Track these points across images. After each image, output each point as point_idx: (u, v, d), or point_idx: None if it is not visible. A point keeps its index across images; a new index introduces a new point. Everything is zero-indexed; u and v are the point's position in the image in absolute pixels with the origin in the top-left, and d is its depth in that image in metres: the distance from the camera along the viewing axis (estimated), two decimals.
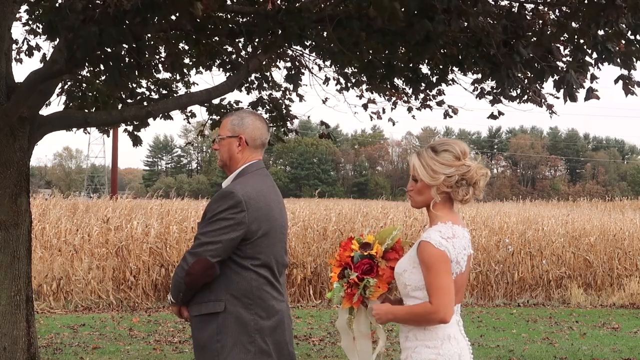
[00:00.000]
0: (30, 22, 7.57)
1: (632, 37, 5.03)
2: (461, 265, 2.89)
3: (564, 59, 5.36)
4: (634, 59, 5.16)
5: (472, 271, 12.98)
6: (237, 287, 3.32)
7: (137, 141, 8.08)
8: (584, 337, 9.69)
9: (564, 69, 5.17)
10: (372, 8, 4.52)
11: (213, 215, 3.31)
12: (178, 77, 8.02)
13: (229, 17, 5.88)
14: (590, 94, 5.35)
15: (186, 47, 6.99)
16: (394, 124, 8.65)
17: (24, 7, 6.83)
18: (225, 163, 3.55)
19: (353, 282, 3.05)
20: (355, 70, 7.12)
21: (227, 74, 7.11)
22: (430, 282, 2.84)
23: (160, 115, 7.11)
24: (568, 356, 8.33)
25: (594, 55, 5.13)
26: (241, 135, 3.49)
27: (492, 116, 7.24)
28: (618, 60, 5.10)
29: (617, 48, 5.03)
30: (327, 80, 8.08)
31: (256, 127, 3.53)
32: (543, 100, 6.74)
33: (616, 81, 5.31)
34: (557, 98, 6.86)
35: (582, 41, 5.09)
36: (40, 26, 6.69)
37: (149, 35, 5.95)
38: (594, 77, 5.54)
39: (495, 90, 6.65)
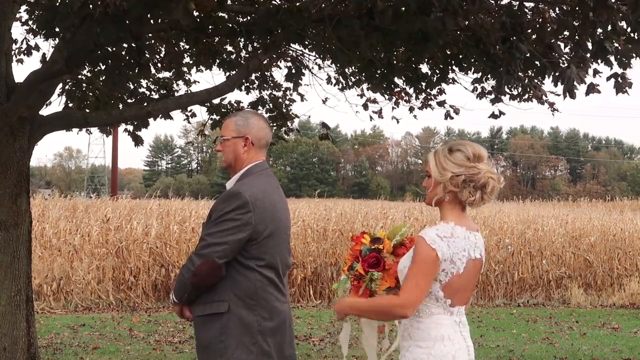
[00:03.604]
0: (29, 22, 7.57)
1: (632, 35, 5.03)
2: (457, 266, 2.87)
3: (565, 56, 5.36)
4: (632, 57, 5.16)
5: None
6: (242, 287, 3.31)
7: (138, 141, 8.07)
8: (584, 337, 9.69)
9: (565, 65, 5.17)
10: (379, 2, 4.52)
11: (219, 216, 3.29)
12: (178, 76, 8.01)
13: (229, 16, 5.88)
14: (592, 89, 5.35)
15: (186, 46, 6.99)
16: (398, 122, 8.65)
17: (24, 7, 6.82)
18: (230, 164, 3.53)
19: (359, 274, 3.07)
20: (356, 70, 7.12)
21: (227, 73, 7.11)
22: (408, 275, 2.86)
23: (160, 115, 7.11)
24: (568, 356, 8.32)
25: (593, 50, 5.12)
26: (247, 135, 3.48)
27: (493, 115, 7.23)
28: (612, 59, 5.10)
29: (617, 46, 5.03)
30: (328, 79, 8.08)
31: (261, 127, 3.53)
32: (544, 97, 6.74)
33: (608, 79, 5.31)
34: (558, 95, 6.86)
35: (581, 38, 5.09)
36: (40, 26, 6.68)
37: (149, 34, 5.95)
38: (596, 72, 5.53)
39: (495, 90, 6.64)
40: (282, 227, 3.46)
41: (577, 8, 4.84)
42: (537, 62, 5.25)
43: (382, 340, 3.27)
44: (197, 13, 5.17)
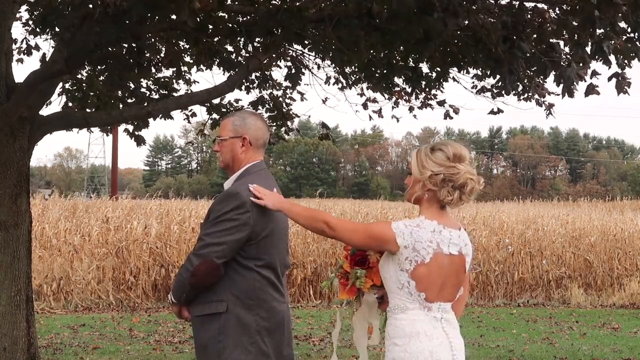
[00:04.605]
0: (30, 22, 7.57)
1: (632, 35, 5.03)
2: (421, 254, 2.90)
3: (565, 55, 5.36)
4: (629, 58, 5.16)
5: (472, 271, 12.97)
6: (240, 287, 3.31)
7: (140, 141, 8.05)
8: (584, 337, 9.69)
9: (566, 63, 5.17)
10: (375, 5, 4.53)
11: (218, 216, 3.29)
12: (178, 76, 8.00)
13: (229, 16, 5.88)
14: (591, 90, 5.36)
15: (186, 46, 6.99)
16: (398, 121, 8.65)
17: (24, 7, 6.82)
18: (227, 164, 3.54)
19: (344, 272, 3.14)
20: (355, 69, 7.12)
21: (227, 73, 7.11)
22: (358, 223, 3.09)
23: (161, 115, 7.10)
24: (568, 356, 8.33)
25: (592, 50, 5.12)
26: (245, 135, 3.48)
27: (493, 112, 7.24)
28: (611, 58, 5.10)
29: (616, 46, 5.03)
30: (328, 79, 8.07)
31: (258, 127, 3.53)
32: (544, 97, 6.73)
33: (609, 79, 5.31)
34: (557, 95, 6.86)
35: (581, 37, 5.09)
36: (37, 23, 6.68)
37: (149, 34, 5.94)
38: (595, 73, 5.54)
39: (498, 88, 6.64)
40: (280, 228, 3.46)
41: (577, 7, 4.84)
42: (538, 61, 5.25)
43: (370, 338, 3.30)
44: (198, 11, 5.17)
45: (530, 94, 6.61)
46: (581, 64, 5.27)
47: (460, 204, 3.00)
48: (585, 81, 5.39)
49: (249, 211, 3.28)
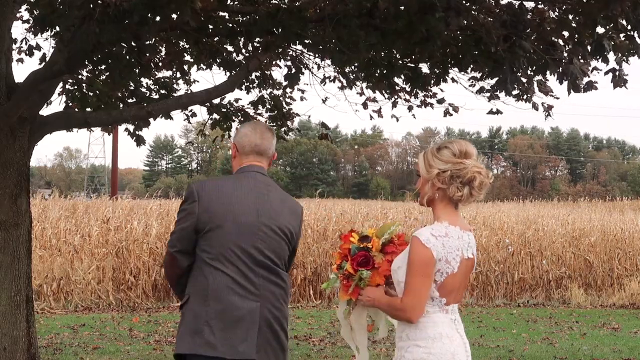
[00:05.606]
0: (30, 21, 7.57)
1: (632, 33, 5.03)
2: (452, 265, 2.89)
3: (566, 52, 5.37)
4: (629, 54, 5.17)
5: (473, 271, 12.97)
6: (197, 280, 3.43)
7: (140, 141, 8.05)
8: (584, 337, 9.70)
9: (567, 60, 5.18)
10: (381, 1, 4.52)
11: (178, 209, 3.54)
12: (178, 75, 8.00)
13: (229, 16, 5.88)
14: (590, 86, 5.37)
15: (187, 46, 6.99)
16: (397, 120, 8.65)
17: (24, 6, 6.82)
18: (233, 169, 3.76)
19: (348, 273, 3.09)
20: (355, 69, 7.12)
21: (227, 73, 7.11)
22: (406, 280, 2.88)
23: (161, 115, 7.10)
24: (568, 356, 8.33)
25: (592, 48, 5.13)
26: (234, 143, 3.71)
27: (492, 112, 7.23)
28: (611, 55, 5.11)
29: (613, 43, 5.04)
30: (326, 79, 8.06)
31: (243, 134, 3.67)
32: (547, 95, 6.72)
33: (606, 73, 5.33)
34: (558, 98, 6.86)
35: (582, 36, 5.10)
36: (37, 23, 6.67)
37: (150, 34, 5.95)
38: (594, 69, 5.55)
39: (498, 89, 6.62)
40: (243, 223, 3.41)
41: (577, 7, 4.84)
42: (539, 60, 5.25)
43: (377, 333, 3.30)
44: (199, 11, 5.18)
45: (528, 94, 6.60)
46: (582, 60, 5.27)
47: (472, 200, 2.96)
48: (588, 77, 5.40)
49: (195, 201, 3.43)
